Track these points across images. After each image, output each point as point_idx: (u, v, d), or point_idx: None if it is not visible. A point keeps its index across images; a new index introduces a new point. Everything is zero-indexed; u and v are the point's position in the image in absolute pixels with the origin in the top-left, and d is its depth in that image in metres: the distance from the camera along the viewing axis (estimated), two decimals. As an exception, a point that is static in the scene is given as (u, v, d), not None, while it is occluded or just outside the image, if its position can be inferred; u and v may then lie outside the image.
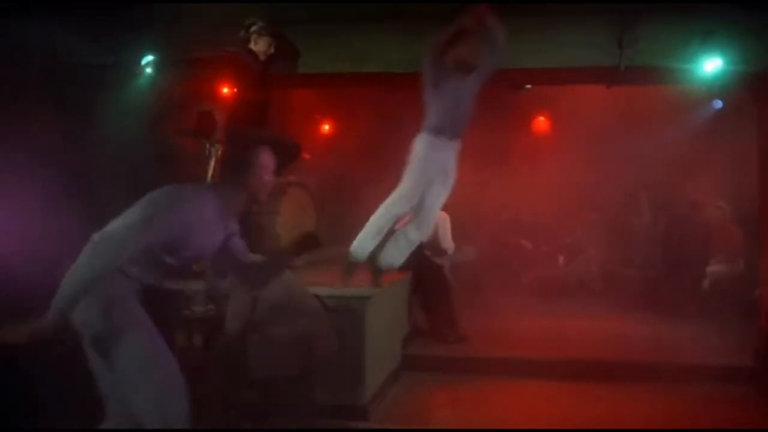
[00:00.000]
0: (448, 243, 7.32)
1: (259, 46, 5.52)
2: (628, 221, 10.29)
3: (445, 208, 7.12)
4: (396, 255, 5.52)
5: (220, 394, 4.70)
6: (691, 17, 5.68)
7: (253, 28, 5.53)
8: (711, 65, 5.56)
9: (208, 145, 5.96)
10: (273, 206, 6.66)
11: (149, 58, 6.36)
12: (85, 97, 6.07)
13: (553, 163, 10.15)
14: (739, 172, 7.69)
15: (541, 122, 10.42)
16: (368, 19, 6.20)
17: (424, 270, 7.09)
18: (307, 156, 8.25)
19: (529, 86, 7.32)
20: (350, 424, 5.00)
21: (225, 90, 6.99)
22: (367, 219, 7.12)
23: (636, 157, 9.79)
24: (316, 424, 4.81)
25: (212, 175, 5.83)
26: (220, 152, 5.82)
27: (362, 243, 5.42)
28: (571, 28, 5.90)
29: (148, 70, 6.38)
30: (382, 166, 9.88)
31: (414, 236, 5.50)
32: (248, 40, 5.55)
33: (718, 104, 8.15)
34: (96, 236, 3.00)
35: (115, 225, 3.05)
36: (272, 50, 5.57)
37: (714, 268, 8.74)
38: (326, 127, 10.75)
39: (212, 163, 5.81)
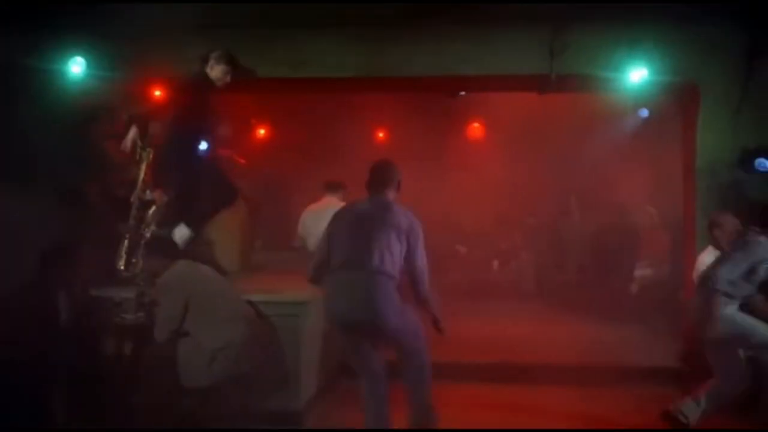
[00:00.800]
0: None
1: (215, 72, 5.44)
2: (559, 225, 10.53)
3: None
4: None
5: (153, 404, 4.61)
6: (618, 27, 5.86)
7: (213, 54, 5.46)
8: (637, 75, 5.74)
9: (139, 149, 5.80)
10: (208, 212, 6.56)
11: (78, 59, 6.19)
12: (9, 98, 5.86)
13: (488, 168, 10.35)
14: (666, 178, 7.95)
15: (476, 129, 10.57)
16: (306, 25, 6.19)
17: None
18: (242, 161, 8.16)
19: (463, 93, 7.42)
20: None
21: (157, 93, 6.87)
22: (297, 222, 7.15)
23: (567, 163, 10.05)
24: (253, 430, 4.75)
25: (143, 180, 5.67)
26: (152, 156, 5.66)
27: None
28: (503, 35, 6.03)
29: (76, 71, 6.20)
30: (316, 171, 9.98)
31: None
32: (206, 64, 5.47)
33: (645, 113, 8.43)
34: None
35: None
36: (228, 79, 5.51)
37: (641, 272, 9.02)
38: (262, 132, 10.66)
39: (143, 167, 5.65)
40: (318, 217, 6.94)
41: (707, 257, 5.66)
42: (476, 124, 10.57)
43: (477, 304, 9.00)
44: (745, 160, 5.83)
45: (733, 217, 5.61)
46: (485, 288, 9.97)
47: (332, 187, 7.19)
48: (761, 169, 5.71)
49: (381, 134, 11.01)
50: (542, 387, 6.04)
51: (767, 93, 5.91)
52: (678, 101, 6.29)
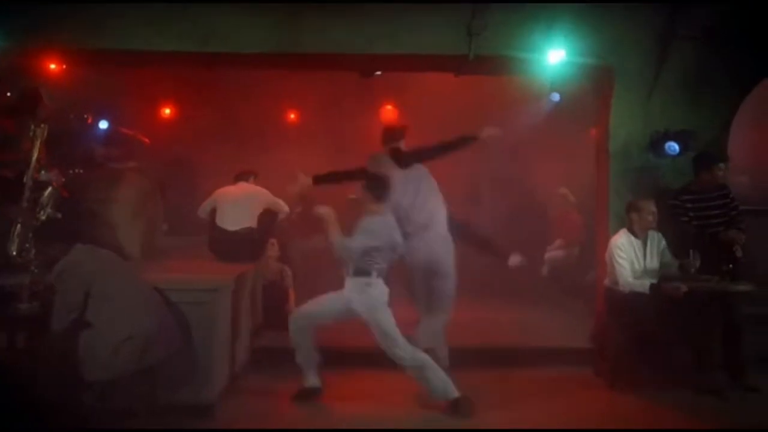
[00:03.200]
0: None
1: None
2: (472, 209, 10.55)
3: (296, 198, 6.99)
4: None
5: (50, 399, 4.26)
6: (536, 8, 5.83)
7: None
8: (555, 56, 5.73)
9: (33, 126, 5.37)
10: (109, 194, 6.18)
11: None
12: None
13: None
14: (581, 161, 8.06)
15: (389, 111, 10.44)
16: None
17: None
18: (146, 140, 7.74)
19: (379, 73, 7.26)
20: (197, 425, 4.69)
21: (53, 66, 6.41)
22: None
23: (479, 147, 10.04)
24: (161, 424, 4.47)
25: (37, 159, 5.26)
26: (46, 133, 5.26)
27: None
28: (421, 14, 5.88)
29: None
30: (224, 153, 9.64)
31: None
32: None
33: (556, 97, 8.49)
34: None
35: None
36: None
37: (552, 254, 9.16)
38: (167, 111, 10.20)
39: (38, 144, 5.24)
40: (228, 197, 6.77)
41: (620, 239, 5.74)
42: (389, 107, 10.44)
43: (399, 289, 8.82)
44: (656, 143, 5.93)
45: (652, 204, 5.73)
46: (397, 273, 9.83)
47: (242, 177, 7.07)
48: (671, 153, 5.82)
49: (292, 115, 10.73)
50: (466, 370, 5.98)
51: (679, 77, 6.03)
52: (593, 84, 6.32)
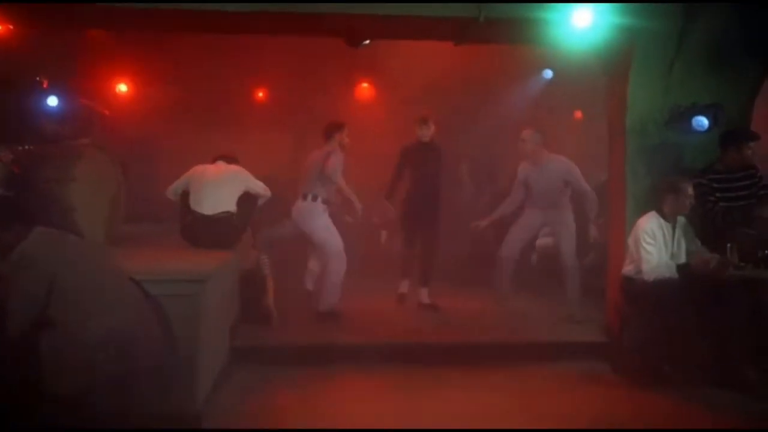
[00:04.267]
0: None
1: None
2: (450, 195, 10.00)
3: (265, 181, 6.31)
4: None
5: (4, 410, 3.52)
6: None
7: None
8: (580, 16, 5.12)
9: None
10: (67, 172, 5.39)
11: None
12: None
13: (377, 133, 9.60)
14: (565, 145, 7.60)
15: (365, 89, 9.78)
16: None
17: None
18: (106, 111, 6.94)
19: (367, 42, 6.58)
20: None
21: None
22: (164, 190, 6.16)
23: (462, 129, 9.54)
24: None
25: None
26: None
27: None
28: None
29: None
30: (187, 133, 8.88)
31: None
32: None
33: (549, 74, 7.96)
34: None
35: None
36: None
37: (542, 241, 8.64)
38: (123, 88, 9.34)
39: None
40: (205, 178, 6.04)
41: (650, 224, 5.24)
42: (365, 84, 9.78)
43: (371, 281, 8.21)
44: (679, 117, 5.45)
45: (691, 186, 5.25)
46: (375, 262, 9.19)
47: (223, 158, 6.36)
48: (698, 128, 5.33)
49: (261, 93, 9.98)
50: (466, 368, 5.44)
51: (702, 47, 5.54)
52: (611, 52, 5.77)
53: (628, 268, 5.38)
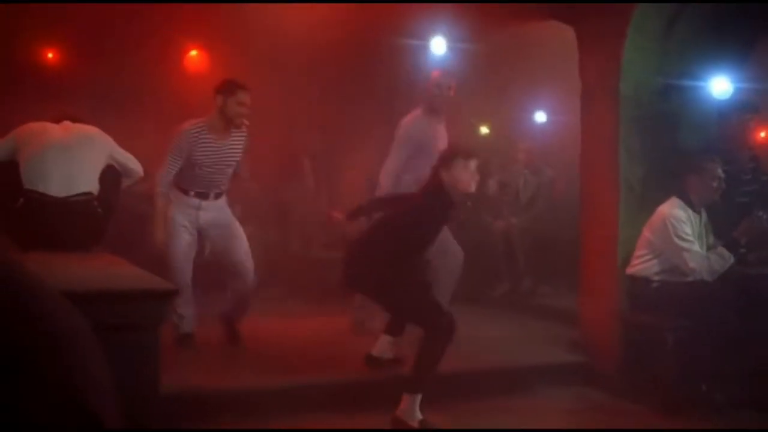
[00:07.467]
0: None
1: None
2: (286, 192, 8.41)
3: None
4: None
5: None
6: None
7: None
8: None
9: None
10: None
11: None
12: None
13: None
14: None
15: (195, 58, 7.77)
16: None
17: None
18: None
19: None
20: None
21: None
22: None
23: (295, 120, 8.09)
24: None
25: None
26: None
27: None
28: None
29: None
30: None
31: None
32: None
33: (441, 48, 6.69)
34: None
35: None
36: None
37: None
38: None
39: None
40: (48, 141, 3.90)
41: (677, 210, 4.22)
42: (194, 52, 7.77)
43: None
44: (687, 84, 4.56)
45: (718, 166, 4.31)
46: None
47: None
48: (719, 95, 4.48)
49: (50, 54, 7.52)
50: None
51: (704, 12, 4.70)
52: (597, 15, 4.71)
53: (641, 267, 4.31)
